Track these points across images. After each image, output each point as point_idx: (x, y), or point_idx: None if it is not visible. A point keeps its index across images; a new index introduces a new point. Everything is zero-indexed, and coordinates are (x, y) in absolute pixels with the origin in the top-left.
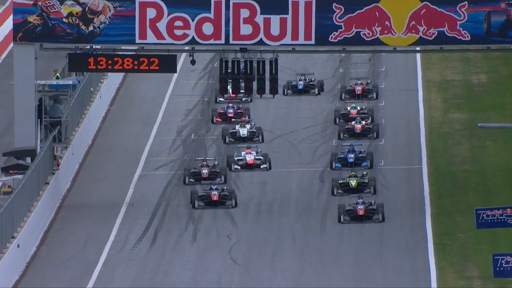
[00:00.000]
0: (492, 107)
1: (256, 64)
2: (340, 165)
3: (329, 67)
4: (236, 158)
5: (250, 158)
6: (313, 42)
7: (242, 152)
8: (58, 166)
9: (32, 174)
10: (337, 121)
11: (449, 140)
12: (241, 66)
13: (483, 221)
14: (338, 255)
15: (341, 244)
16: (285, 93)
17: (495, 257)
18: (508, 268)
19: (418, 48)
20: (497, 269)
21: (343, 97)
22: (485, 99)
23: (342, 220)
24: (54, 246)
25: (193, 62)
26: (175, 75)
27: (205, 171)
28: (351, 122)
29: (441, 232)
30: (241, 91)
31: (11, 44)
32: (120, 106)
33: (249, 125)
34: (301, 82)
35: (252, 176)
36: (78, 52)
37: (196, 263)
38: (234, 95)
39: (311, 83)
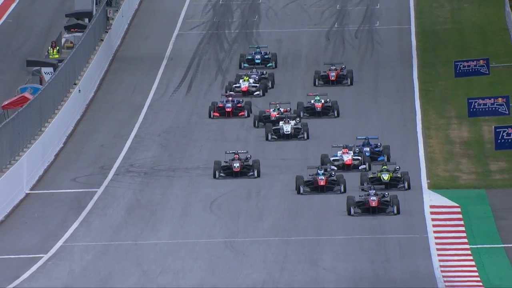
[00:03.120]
0: None
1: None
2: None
3: None
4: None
5: None
6: None
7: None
8: (111, 26)
9: (89, 32)
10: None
11: (433, 3)
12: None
13: (460, 70)
14: (341, 98)
15: (343, 91)
16: None
17: (469, 100)
18: (480, 109)
19: None
20: (471, 110)
21: (316, 83)
22: None
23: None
24: (108, 92)
25: None
26: None
27: (236, 164)
28: None
29: (425, 80)
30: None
31: None
32: None
33: (294, 121)
34: None
35: (269, 35)
36: None
37: None
38: (246, 89)
39: None
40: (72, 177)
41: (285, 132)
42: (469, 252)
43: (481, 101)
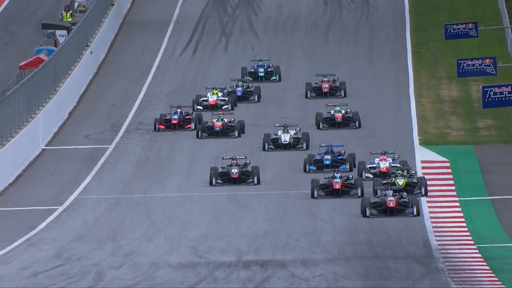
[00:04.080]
0: None
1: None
2: (315, 168)
3: None
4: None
5: None
6: None
7: None
8: None
9: None
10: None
11: None
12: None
13: (450, 33)
14: (338, 62)
15: (340, 53)
16: None
17: (459, 61)
18: (469, 70)
19: None
20: (460, 70)
21: (308, 95)
22: None
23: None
24: (119, 54)
25: None
26: None
27: (234, 170)
28: None
29: (417, 42)
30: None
31: None
32: None
33: (294, 131)
34: None
35: (271, 0)
36: None
37: (227, 68)
38: (214, 103)
39: None
40: (85, 134)
41: (283, 142)
42: (457, 204)
43: (469, 62)
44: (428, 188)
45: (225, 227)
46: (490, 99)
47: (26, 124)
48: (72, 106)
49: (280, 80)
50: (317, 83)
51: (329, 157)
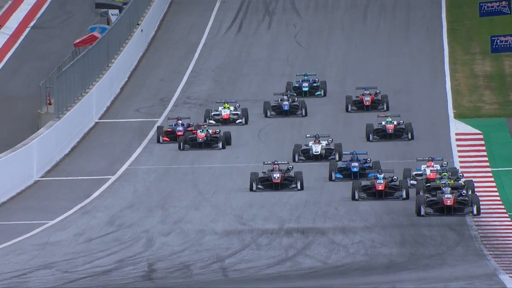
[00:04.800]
0: None
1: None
2: (341, 176)
3: None
4: None
5: None
6: None
7: None
8: None
9: None
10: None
11: None
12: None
13: (484, 11)
14: (376, 38)
15: (378, 30)
16: None
17: (492, 38)
18: (502, 46)
19: None
20: (494, 46)
21: (349, 109)
22: None
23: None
24: (167, 31)
25: None
26: None
27: (276, 175)
28: None
29: (452, 20)
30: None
31: None
32: None
33: (326, 142)
34: None
35: None
36: None
37: (270, 45)
38: (227, 117)
39: None
40: (136, 108)
41: (314, 153)
42: (490, 174)
43: (503, 38)
44: (463, 159)
45: (267, 197)
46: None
47: (80, 98)
48: (124, 81)
49: (325, 95)
50: (357, 96)
51: (356, 164)
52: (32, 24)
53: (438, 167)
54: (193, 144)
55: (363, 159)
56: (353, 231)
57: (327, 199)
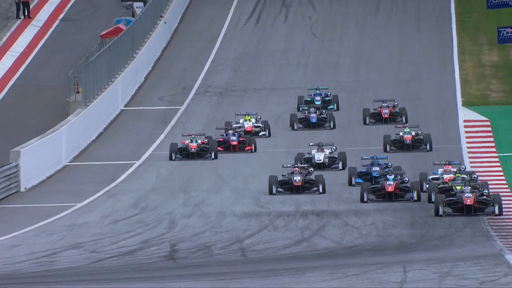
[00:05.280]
0: None
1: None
2: (362, 181)
3: None
4: None
5: None
6: None
7: None
8: None
9: None
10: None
11: None
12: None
13: (492, 3)
14: (388, 29)
15: (390, 22)
16: None
17: (499, 29)
18: (508, 37)
19: None
20: (500, 37)
21: (367, 122)
22: None
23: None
24: (189, 23)
25: None
26: None
27: (297, 178)
28: None
29: (461, 12)
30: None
31: None
32: None
33: (329, 150)
34: None
35: None
36: None
37: (287, 36)
38: (250, 129)
39: None
40: (159, 96)
41: (316, 161)
42: (497, 159)
43: (509, 30)
44: (471, 145)
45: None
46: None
47: (106, 87)
48: (148, 71)
49: (338, 109)
50: (375, 109)
51: (377, 168)
52: (61, 16)
53: (455, 170)
54: (184, 154)
55: (384, 164)
56: (365, 214)
57: (341, 188)
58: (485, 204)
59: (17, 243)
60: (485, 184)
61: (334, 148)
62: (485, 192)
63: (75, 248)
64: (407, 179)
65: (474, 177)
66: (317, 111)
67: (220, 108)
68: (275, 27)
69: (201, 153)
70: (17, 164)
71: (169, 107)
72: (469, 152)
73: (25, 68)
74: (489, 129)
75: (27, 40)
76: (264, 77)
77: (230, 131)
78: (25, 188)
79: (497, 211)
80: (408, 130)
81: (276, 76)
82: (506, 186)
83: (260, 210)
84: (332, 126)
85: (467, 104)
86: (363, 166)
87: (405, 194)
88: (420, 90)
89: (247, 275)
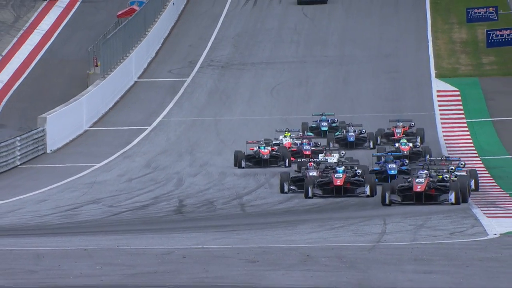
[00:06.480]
0: None
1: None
2: (377, 180)
3: None
4: None
5: None
6: None
7: None
8: None
9: None
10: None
11: None
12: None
13: (471, 16)
14: (370, 11)
15: (372, 4)
16: None
17: (468, 10)
18: (476, 16)
19: None
20: (469, 17)
21: (379, 141)
22: None
23: None
24: (195, 4)
25: None
26: None
27: (313, 173)
28: None
29: None
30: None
31: None
32: None
33: (338, 155)
34: None
35: None
36: None
37: (281, 17)
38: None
39: None
40: (168, 69)
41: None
42: (465, 125)
43: (476, 10)
44: (443, 112)
45: None
46: (492, 40)
47: (122, 61)
48: (158, 47)
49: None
50: (389, 128)
51: (394, 166)
52: None
53: (453, 168)
54: (256, 161)
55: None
56: None
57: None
58: (442, 192)
59: (44, 198)
60: (474, 172)
61: (343, 153)
62: (446, 177)
63: (94, 203)
64: (359, 171)
65: (462, 164)
66: (356, 130)
67: (222, 80)
68: (271, 8)
69: (273, 160)
70: (43, 129)
71: (177, 79)
72: (441, 119)
73: (50, 44)
74: (459, 98)
75: (52, 20)
76: (261, 52)
77: (305, 141)
78: (51, 150)
79: (453, 200)
80: (405, 141)
81: (272, 51)
82: (473, 148)
83: (257, 170)
84: (371, 146)
85: (439, 76)
86: (375, 163)
87: (356, 189)
88: (398, 64)
89: (245, 227)
